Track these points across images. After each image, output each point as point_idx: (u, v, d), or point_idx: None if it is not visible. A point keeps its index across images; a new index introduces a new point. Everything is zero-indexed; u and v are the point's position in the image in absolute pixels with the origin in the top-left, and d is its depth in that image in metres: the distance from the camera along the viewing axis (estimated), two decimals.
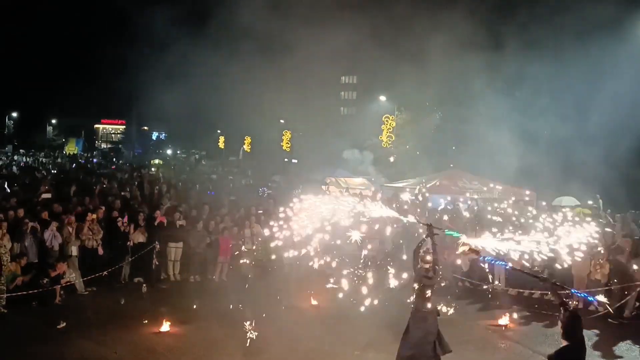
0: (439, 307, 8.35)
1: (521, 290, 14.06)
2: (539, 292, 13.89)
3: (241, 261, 15.24)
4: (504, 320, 11.67)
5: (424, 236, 8.21)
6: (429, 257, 8.05)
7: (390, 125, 44.73)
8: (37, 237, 12.63)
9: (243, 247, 15.22)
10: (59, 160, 53.32)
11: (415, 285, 8.05)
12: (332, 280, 12.74)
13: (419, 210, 17.25)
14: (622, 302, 12.25)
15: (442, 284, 14.24)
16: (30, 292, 11.42)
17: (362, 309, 8.99)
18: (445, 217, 16.14)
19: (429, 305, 7.98)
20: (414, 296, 8.07)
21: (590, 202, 21.92)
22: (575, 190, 24.51)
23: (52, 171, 34.93)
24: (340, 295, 9.87)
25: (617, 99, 22.80)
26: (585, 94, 23.89)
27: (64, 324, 10.50)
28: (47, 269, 12.12)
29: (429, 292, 7.97)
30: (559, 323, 5.87)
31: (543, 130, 25.41)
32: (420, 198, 20.22)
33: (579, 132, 24.62)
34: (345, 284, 9.83)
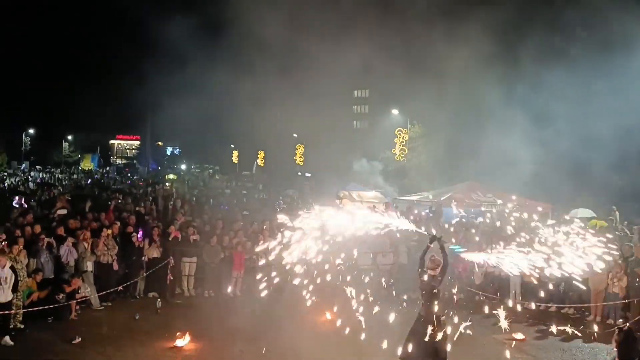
0: (443, 317, 8.35)
1: (537, 304, 13.93)
2: (555, 305, 13.76)
3: (257, 277, 15.25)
4: (520, 334, 11.54)
5: (428, 243, 8.50)
6: (436, 264, 8.33)
7: (403, 138, 44.70)
8: (52, 253, 12.74)
9: (261, 263, 15.23)
10: (75, 176, 53.89)
11: (422, 292, 8.34)
12: (348, 294, 12.70)
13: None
14: None
15: (460, 297, 14.24)
16: (46, 307, 11.49)
17: (378, 322, 8.96)
18: (453, 230, 16.04)
19: (435, 310, 8.13)
20: (421, 302, 8.31)
21: (610, 217, 21.71)
22: (591, 202, 24.30)
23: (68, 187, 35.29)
24: (356, 308, 9.84)
25: (632, 111, 22.64)
26: (600, 105, 23.74)
27: (80, 339, 10.55)
28: (62, 285, 12.20)
29: (435, 298, 8.16)
30: (613, 342, 5.62)
31: (558, 143, 25.26)
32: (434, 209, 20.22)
33: (594, 144, 24.46)
34: (360, 297, 9.80)
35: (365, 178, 33.08)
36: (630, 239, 15.85)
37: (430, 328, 8.01)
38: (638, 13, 23.58)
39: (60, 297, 11.84)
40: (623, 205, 22.51)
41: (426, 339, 7.99)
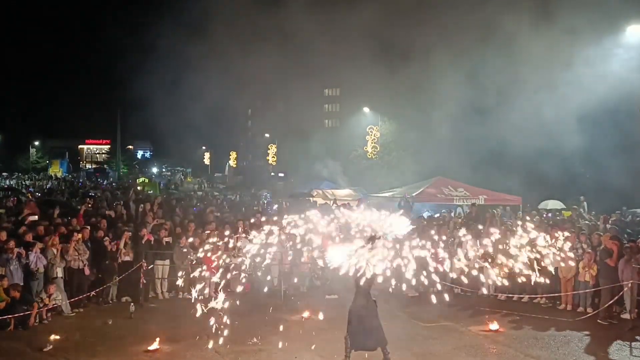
0: None
1: (510, 295, 14.12)
2: (528, 296, 13.96)
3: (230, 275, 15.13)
4: (494, 325, 11.68)
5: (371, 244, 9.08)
6: None
7: (374, 135, 44.96)
8: (21, 261, 12.44)
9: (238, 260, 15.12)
10: (44, 182, 52.83)
11: (360, 283, 8.88)
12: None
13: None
14: (611, 302, 12.32)
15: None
16: (15, 315, 11.23)
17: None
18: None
19: (371, 299, 9.11)
20: (354, 294, 9.10)
21: (576, 206, 22.13)
22: (561, 193, 24.73)
23: (37, 194, 34.61)
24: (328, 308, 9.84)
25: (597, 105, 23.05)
26: (567, 99, 24.10)
27: (51, 346, 10.30)
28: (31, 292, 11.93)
29: (371, 290, 9.05)
30: None
31: (528, 135, 25.63)
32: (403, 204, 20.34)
33: (564, 137, 24.91)
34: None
35: (333, 177, 33.23)
36: (597, 228, 16.17)
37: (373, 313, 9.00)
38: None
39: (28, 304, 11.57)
40: (599, 196, 22.99)
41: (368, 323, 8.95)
